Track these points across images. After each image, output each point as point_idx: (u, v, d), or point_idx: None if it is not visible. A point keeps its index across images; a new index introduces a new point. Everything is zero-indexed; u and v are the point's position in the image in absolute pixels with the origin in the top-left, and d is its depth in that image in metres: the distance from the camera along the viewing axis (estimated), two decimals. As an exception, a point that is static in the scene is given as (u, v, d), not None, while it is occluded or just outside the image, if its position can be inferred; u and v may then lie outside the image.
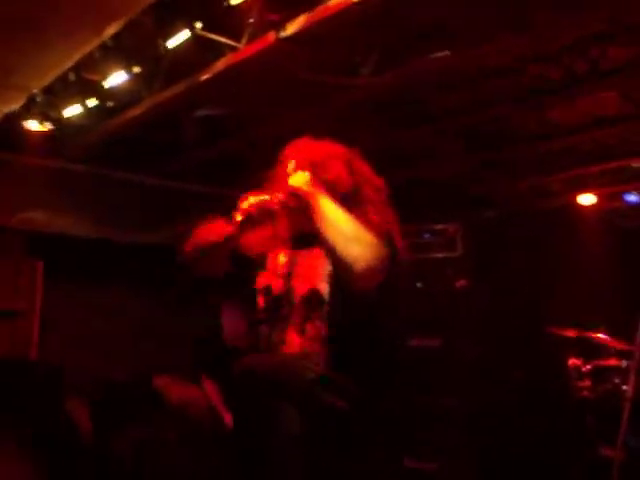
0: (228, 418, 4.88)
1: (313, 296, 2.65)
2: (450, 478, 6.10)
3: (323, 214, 2.56)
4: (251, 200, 2.67)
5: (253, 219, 2.67)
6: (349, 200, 2.78)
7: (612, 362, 5.53)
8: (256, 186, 2.79)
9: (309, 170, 2.76)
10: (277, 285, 2.77)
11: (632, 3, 4.00)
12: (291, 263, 2.78)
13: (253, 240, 2.85)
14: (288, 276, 2.75)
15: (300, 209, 2.72)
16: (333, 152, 2.92)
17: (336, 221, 2.54)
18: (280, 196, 2.70)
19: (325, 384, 2.41)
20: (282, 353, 2.62)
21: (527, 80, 5.23)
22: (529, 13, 4.14)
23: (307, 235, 2.77)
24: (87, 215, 6.84)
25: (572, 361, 5.69)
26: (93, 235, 6.83)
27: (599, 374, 5.54)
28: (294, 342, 2.63)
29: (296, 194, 2.63)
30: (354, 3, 3.73)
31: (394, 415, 2.68)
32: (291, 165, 2.85)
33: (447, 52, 4.49)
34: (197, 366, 5.21)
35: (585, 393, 5.54)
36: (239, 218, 2.65)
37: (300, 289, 2.69)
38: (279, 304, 2.72)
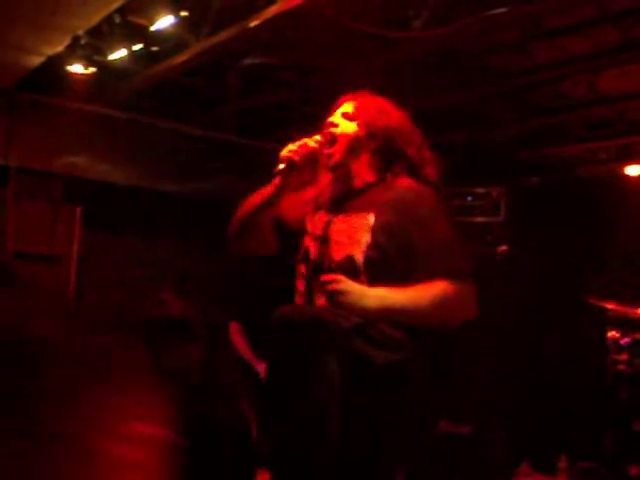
0: (261, 367, 4.93)
1: (349, 264, 2.56)
2: (484, 442, 6.08)
3: (403, 317, 2.46)
4: (291, 146, 2.61)
5: (295, 166, 2.61)
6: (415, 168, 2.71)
7: (651, 337, 5.46)
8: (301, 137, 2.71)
9: (360, 118, 2.70)
10: (314, 249, 2.69)
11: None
12: (327, 226, 2.68)
13: (292, 205, 2.78)
14: (324, 239, 2.66)
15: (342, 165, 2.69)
16: (386, 107, 2.80)
17: (410, 312, 2.46)
18: (323, 137, 2.66)
19: (361, 333, 2.35)
20: (319, 305, 2.55)
21: (581, 43, 5.10)
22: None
23: (346, 197, 2.71)
24: (127, 162, 6.83)
25: (611, 333, 5.61)
26: (133, 183, 6.82)
27: (637, 348, 5.47)
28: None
29: None
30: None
31: (432, 374, 2.62)
32: (345, 107, 2.77)
33: (503, 9, 4.36)
34: (226, 316, 5.27)
35: (622, 367, 5.47)
36: (281, 166, 2.59)
37: (337, 255, 2.60)
38: (317, 269, 2.63)
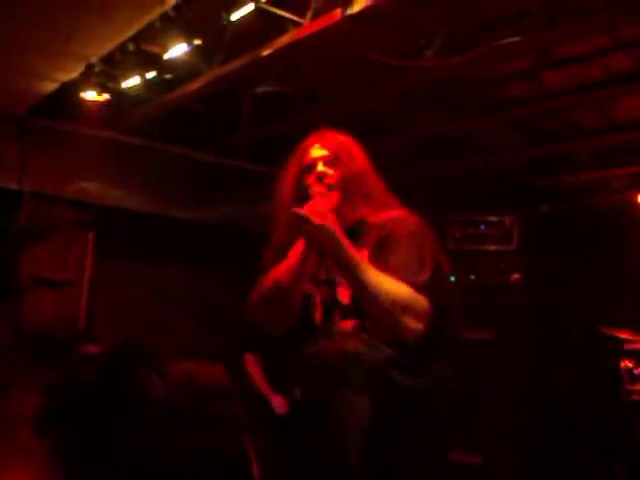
0: (276, 400, 4.89)
1: (355, 306, 2.58)
2: (494, 472, 6.02)
3: (361, 283, 2.43)
4: (316, 208, 2.54)
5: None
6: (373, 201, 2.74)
7: (666, 366, 5.42)
8: None
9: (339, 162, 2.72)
10: (321, 293, 2.70)
11: None
12: (328, 270, 2.69)
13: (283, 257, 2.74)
14: (330, 283, 2.68)
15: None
16: (355, 148, 2.84)
17: (377, 293, 2.41)
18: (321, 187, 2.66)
19: (394, 363, 2.34)
20: (349, 339, 2.49)
21: (593, 71, 5.10)
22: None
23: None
24: (141, 188, 6.84)
25: (624, 363, 5.57)
26: (146, 209, 6.83)
27: (651, 378, 5.43)
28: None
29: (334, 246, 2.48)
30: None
31: (449, 402, 2.62)
32: (320, 152, 2.77)
33: (516, 39, 4.37)
34: (242, 347, 5.23)
35: (636, 397, 5.43)
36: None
37: (344, 298, 2.62)
38: (329, 312, 2.65)
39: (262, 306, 2.67)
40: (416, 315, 2.44)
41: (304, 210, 2.49)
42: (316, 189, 2.64)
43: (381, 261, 2.53)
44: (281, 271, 2.63)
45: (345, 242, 2.42)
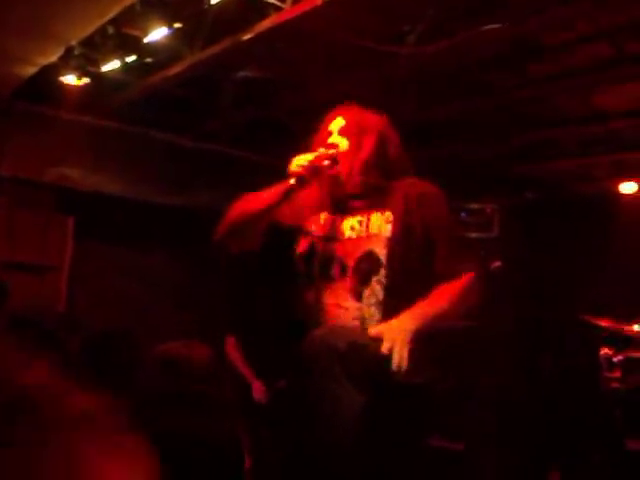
0: (256, 385, 4.88)
1: (369, 258, 2.62)
2: (476, 459, 6.04)
3: (441, 320, 2.54)
4: (300, 161, 2.63)
5: (305, 181, 2.64)
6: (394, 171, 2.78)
7: (644, 354, 5.44)
8: (294, 152, 2.74)
9: (352, 133, 2.76)
10: (320, 248, 2.72)
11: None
12: (334, 226, 2.74)
13: (287, 210, 2.79)
14: (332, 238, 2.71)
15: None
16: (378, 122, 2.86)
17: (448, 314, 2.56)
18: (328, 152, 2.69)
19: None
20: (351, 326, 2.57)
21: (575, 59, 5.10)
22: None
23: (350, 199, 2.76)
24: (121, 174, 6.81)
25: (604, 351, 5.58)
26: (126, 194, 6.79)
27: (630, 366, 5.44)
28: (351, 307, 2.60)
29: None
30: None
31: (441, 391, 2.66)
32: (337, 123, 2.81)
33: (498, 25, 4.36)
34: (223, 330, 5.21)
35: (615, 384, 5.45)
36: (292, 181, 2.62)
37: (354, 251, 2.65)
38: (326, 266, 2.67)
39: (227, 227, 2.75)
40: (477, 297, 2.64)
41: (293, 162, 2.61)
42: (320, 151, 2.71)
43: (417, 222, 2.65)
44: (251, 201, 2.72)
45: (416, 318, 2.46)
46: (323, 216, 2.80)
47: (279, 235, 2.82)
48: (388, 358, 2.27)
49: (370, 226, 2.67)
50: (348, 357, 2.26)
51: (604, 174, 6.95)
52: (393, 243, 2.61)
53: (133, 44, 5.02)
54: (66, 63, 5.28)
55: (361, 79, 5.17)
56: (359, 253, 2.64)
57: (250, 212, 2.69)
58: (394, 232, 2.62)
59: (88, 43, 5.10)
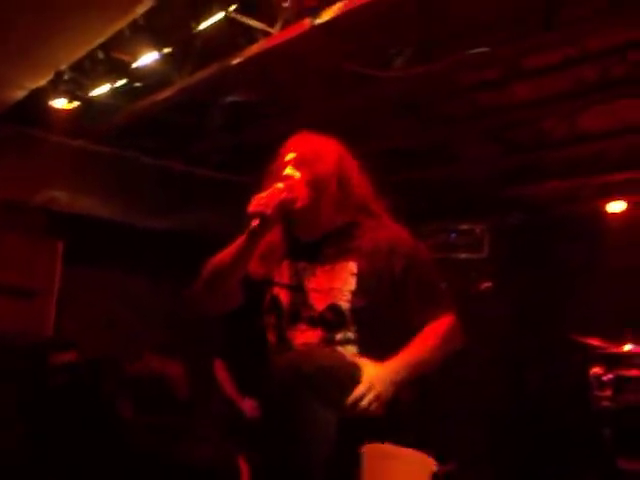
0: (247, 405, 4.90)
1: (334, 313, 2.54)
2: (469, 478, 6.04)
3: (427, 368, 2.54)
4: (259, 199, 2.51)
5: (268, 219, 2.52)
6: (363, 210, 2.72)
7: (634, 373, 5.45)
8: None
9: (303, 166, 2.66)
10: (287, 298, 2.65)
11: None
12: (300, 275, 2.66)
13: (257, 261, 2.70)
14: (298, 288, 2.63)
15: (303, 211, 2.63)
16: (329, 150, 2.75)
17: (430, 362, 2.54)
18: (285, 185, 2.58)
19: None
20: (321, 349, 2.51)
21: (561, 82, 5.15)
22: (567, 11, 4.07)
23: (314, 245, 2.68)
24: (110, 197, 6.80)
25: (594, 370, 5.60)
26: (115, 218, 6.78)
27: (621, 384, 5.46)
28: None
29: None
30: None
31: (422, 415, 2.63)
32: (291, 155, 2.70)
33: (485, 49, 4.40)
34: (212, 352, 5.22)
35: (605, 403, 5.46)
36: (255, 223, 2.49)
37: (318, 304, 2.57)
38: (294, 318, 2.61)
39: (201, 287, 2.65)
40: (460, 336, 2.63)
41: (252, 202, 2.51)
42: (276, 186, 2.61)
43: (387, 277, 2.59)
44: (222, 255, 2.63)
45: (398, 371, 2.44)
46: (288, 264, 2.71)
47: (251, 288, 2.72)
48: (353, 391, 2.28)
49: (334, 278, 2.58)
50: (315, 379, 2.24)
51: (591, 195, 6.99)
52: (357, 297, 2.54)
53: (122, 69, 5.03)
54: (56, 87, 5.30)
55: (349, 103, 5.20)
56: (323, 306, 2.56)
57: (221, 266, 2.59)
58: (358, 285, 2.55)
59: (78, 67, 5.13)
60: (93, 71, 5.14)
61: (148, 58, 4.72)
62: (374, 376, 2.35)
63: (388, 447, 2.34)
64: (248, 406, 4.94)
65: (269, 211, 2.49)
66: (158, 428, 2.39)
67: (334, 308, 2.55)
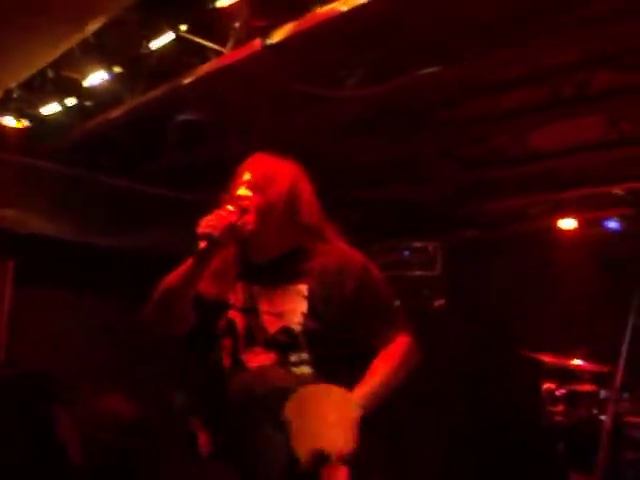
0: (202, 437, 4.88)
1: (286, 336, 2.55)
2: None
3: (388, 392, 2.52)
4: (207, 221, 2.51)
5: (216, 241, 2.52)
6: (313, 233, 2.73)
7: (587, 388, 5.51)
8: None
9: (256, 188, 2.67)
10: (241, 321, 2.65)
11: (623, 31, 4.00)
12: (253, 297, 2.66)
13: (209, 282, 2.70)
14: (251, 311, 2.64)
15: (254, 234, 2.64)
16: (282, 173, 2.76)
17: (391, 387, 2.53)
18: (235, 206, 2.59)
19: None
20: (274, 371, 2.51)
21: (512, 101, 5.20)
22: (517, 31, 4.12)
23: (266, 267, 2.69)
24: (60, 216, 6.71)
25: (546, 385, 5.65)
26: (66, 237, 6.69)
27: (573, 399, 5.51)
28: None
29: None
30: (342, 13, 3.66)
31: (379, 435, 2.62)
32: (245, 177, 2.72)
33: (437, 68, 4.43)
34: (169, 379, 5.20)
35: (558, 418, 5.50)
36: (202, 245, 2.49)
37: (270, 327, 2.58)
38: (249, 342, 2.61)
39: (152, 309, 2.64)
40: (417, 355, 2.63)
41: (200, 224, 2.50)
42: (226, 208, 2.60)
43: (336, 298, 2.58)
44: (172, 276, 2.61)
45: (362, 402, 2.42)
46: (242, 286, 2.71)
47: (204, 310, 2.71)
48: None
49: (285, 301, 2.59)
50: (267, 401, 2.24)
51: (543, 212, 7.07)
52: (308, 319, 2.54)
53: (73, 87, 5.01)
54: (5, 105, 5.26)
55: (300, 123, 5.21)
56: (276, 329, 2.56)
57: (170, 288, 2.58)
58: (309, 307, 2.56)
59: (27, 86, 5.08)
60: (43, 89, 5.11)
61: (99, 77, 4.71)
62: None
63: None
64: (202, 440, 4.92)
65: (217, 233, 2.49)
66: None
67: (286, 331, 2.55)
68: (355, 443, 2.27)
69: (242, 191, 2.67)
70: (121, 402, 4.86)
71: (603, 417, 4.92)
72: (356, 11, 3.63)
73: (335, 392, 2.36)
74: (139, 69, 4.79)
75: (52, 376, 4.45)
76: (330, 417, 2.29)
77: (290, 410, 2.24)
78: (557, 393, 5.58)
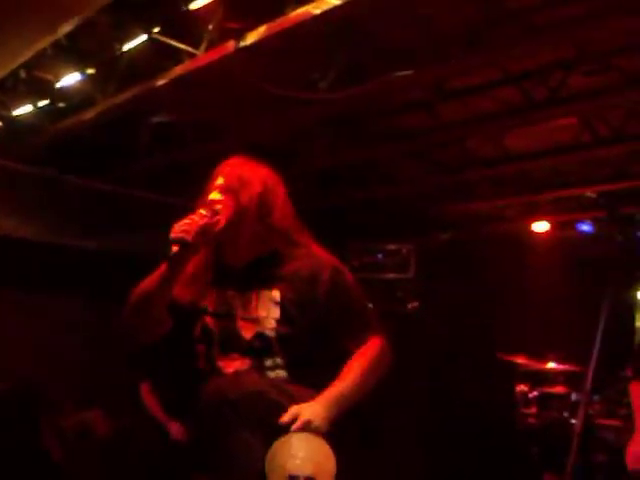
0: (173, 428, 4.91)
1: (261, 341, 2.53)
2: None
3: (361, 395, 2.50)
4: (180, 226, 2.47)
5: (189, 245, 2.48)
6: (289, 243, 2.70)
7: (559, 389, 5.55)
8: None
9: (229, 192, 2.63)
10: (217, 327, 2.61)
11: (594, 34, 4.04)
12: (228, 303, 2.63)
13: (183, 287, 2.65)
14: (227, 316, 2.60)
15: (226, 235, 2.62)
16: (255, 177, 2.71)
17: (364, 389, 2.51)
18: (208, 210, 2.56)
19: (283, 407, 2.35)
20: (248, 376, 2.49)
21: (485, 103, 5.23)
22: (489, 34, 4.15)
23: (240, 272, 2.66)
24: (35, 218, 6.65)
25: (519, 387, 5.68)
26: (41, 238, 6.64)
27: (545, 401, 5.55)
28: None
29: None
30: (314, 16, 3.67)
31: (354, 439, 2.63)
32: (219, 180, 2.66)
33: (409, 72, 4.45)
34: (136, 375, 5.19)
35: (531, 420, 5.54)
36: (175, 249, 2.46)
37: (246, 333, 2.55)
38: (225, 347, 2.57)
39: (129, 314, 2.62)
40: (389, 357, 2.60)
41: (173, 229, 2.49)
42: (199, 212, 2.60)
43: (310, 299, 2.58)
44: (147, 281, 2.60)
45: (334, 404, 2.41)
46: (216, 291, 2.68)
47: (179, 313, 2.67)
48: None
49: (259, 306, 2.57)
50: (240, 404, 2.25)
51: (516, 214, 7.12)
52: (281, 325, 2.53)
53: (45, 88, 4.97)
54: (-24, 106, 5.22)
55: (273, 125, 5.21)
56: (251, 334, 2.55)
57: (145, 293, 2.54)
58: (282, 313, 2.54)
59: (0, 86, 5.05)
60: (15, 90, 5.07)
61: (71, 78, 4.68)
62: (312, 413, 2.33)
63: None
64: (174, 429, 4.94)
65: (189, 237, 2.46)
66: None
67: (261, 336, 2.54)
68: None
69: (215, 195, 2.65)
70: (98, 417, 4.89)
71: (574, 420, 4.97)
72: (328, 14, 3.65)
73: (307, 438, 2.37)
74: (112, 71, 4.76)
75: (37, 391, 4.50)
76: (299, 454, 2.31)
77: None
78: (530, 395, 5.62)
